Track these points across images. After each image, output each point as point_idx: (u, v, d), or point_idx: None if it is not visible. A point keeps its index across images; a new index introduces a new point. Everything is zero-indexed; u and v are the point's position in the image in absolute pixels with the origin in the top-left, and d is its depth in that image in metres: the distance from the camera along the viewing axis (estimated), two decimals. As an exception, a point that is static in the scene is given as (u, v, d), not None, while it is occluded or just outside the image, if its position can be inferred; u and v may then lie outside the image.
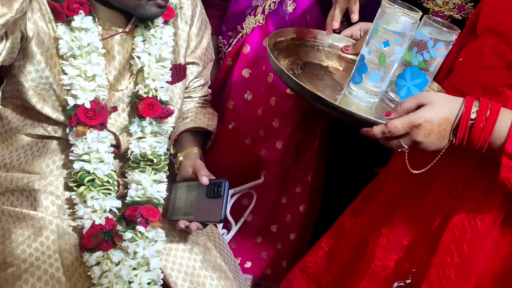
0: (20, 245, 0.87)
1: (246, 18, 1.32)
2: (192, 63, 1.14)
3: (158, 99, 1.02)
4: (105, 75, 0.96)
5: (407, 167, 0.73)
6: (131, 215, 0.97)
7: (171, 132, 1.11)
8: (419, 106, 0.71)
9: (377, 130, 0.71)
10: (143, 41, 1.01)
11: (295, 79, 0.78)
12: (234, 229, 1.30)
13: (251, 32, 1.33)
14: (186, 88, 1.16)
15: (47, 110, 0.93)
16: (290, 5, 1.29)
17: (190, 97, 1.20)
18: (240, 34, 1.34)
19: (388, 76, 0.82)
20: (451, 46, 0.80)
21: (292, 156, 1.36)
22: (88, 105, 0.92)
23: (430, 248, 0.79)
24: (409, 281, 0.81)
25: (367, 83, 0.82)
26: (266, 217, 1.38)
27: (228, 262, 1.06)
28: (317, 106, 0.76)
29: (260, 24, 1.32)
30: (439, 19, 0.83)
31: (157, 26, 1.01)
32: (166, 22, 1.03)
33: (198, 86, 1.20)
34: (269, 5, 1.30)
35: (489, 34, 0.82)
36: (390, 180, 0.92)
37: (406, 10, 0.88)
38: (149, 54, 1.01)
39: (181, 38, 1.09)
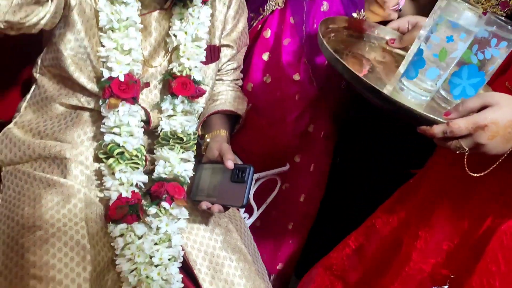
0: (49, 210, 0.88)
1: (268, 0, 1.29)
2: (227, 45, 1.12)
3: (192, 78, 1.01)
4: (141, 50, 0.96)
5: (466, 170, 0.69)
6: (157, 191, 0.97)
7: (201, 112, 1.10)
8: (482, 107, 0.66)
9: (437, 130, 0.67)
10: (181, 19, 1.00)
11: (353, 70, 0.74)
12: (256, 214, 1.29)
13: (271, 14, 1.29)
14: (219, 70, 1.15)
15: (83, 80, 0.94)
16: None
17: (221, 79, 1.18)
18: (261, 16, 1.30)
19: (446, 73, 0.77)
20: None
21: (296, 144, 1.33)
22: (122, 78, 0.91)
23: (473, 255, 0.76)
24: (447, 287, 0.78)
25: (422, 79, 0.77)
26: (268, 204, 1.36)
27: (248, 245, 1.06)
28: (371, 99, 0.72)
29: (279, 7, 1.28)
30: (502, 17, 0.78)
31: (195, 5, 1.00)
32: (204, 2, 1.02)
33: (231, 69, 1.18)
34: None
35: None
36: (428, 181, 0.89)
37: (468, 5, 0.84)
38: (186, 33, 1.00)
39: (217, 19, 1.07)
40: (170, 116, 1.02)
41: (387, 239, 0.90)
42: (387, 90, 0.82)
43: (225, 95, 1.16)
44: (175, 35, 0.99)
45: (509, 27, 0.74)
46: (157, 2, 0.98)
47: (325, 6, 1.25)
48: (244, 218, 1.25)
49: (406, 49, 0.96)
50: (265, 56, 1.32)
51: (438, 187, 0.85)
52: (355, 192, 1.32)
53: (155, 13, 0.98)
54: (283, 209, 1.39)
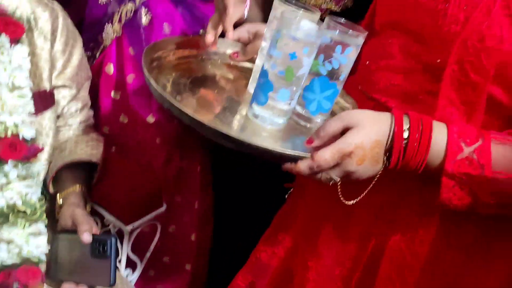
0: None
1: (105, 27, 1.10)
2: (63, 86, 0.95)
3: (21, 136, 0.83)
4: None
5: (340, 198, 0.63)
6: (5, 282, 0.78)
7: (47, 170, 0.92)
8: (344, 129, 0.60)
9: (303, 166, 0.60)
10: (-12, 69, 0.81)
11: (190, 114, 0.62)
12: (140, 266, 1.13)
13: (110, 45, 1.11)
14: (60, 116, 0.97)
15: None
16: (145, 16, 1.08)
17: (67, 124, 1.00)
18: (102, 46, 1.12)
19: (298, 90, 0.69)
20: (359, 50, 0.69)
21: (173, 184, 1.19)
22: None
23: (368, 277, 0.69)
24: None
25: (274, 102, 0.68)
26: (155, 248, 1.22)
27: None
28: (221, 142, 0.61)
29: (118, 36, 1.10)
30: (342, 19, 0.71)
31: (2, 47, 0.81)
32: (15, 41, 0.83)
33: (76, 111, 1.00)
34: (126, 12, 1.08)
35: (393, 31, 0.73)
36: (304, 203, 0.81)
37: (302, 10, 0.75)
38: (-1, 84, 0.81)
39: (41, 58, 0.89)
40: (4, 185, 0.82)
41: (277, 272, 0.81)
42: (238, 123, 0.72)
43: (74, 141, 0.99)
44: (-14, 90, 0.79)
45: (350, 31, 0.67)
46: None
47: (167, 29, 1.10)
48: (127, 275, 1.09)
49: (253, 59, 0.86)
50: (114, 94, 1.14)
51: (316, 209, 0.78)
52: (240, 222, 1.23)
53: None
54: (177, 252, 1.25)
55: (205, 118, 0.65)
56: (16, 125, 0.82)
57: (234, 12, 0.82)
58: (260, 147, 0.60)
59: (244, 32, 0.86)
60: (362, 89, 0.74)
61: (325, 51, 0.67)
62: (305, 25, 0.67)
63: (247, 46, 0.87)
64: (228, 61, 0.89)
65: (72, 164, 0.95)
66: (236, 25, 0.88)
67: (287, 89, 0.67)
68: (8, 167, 0.82)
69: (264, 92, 0.67)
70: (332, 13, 1.01)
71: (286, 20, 0.64)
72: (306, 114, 0.73)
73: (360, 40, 0.68)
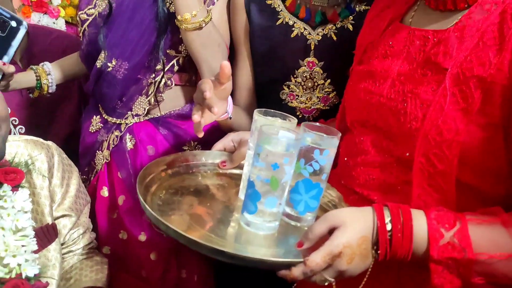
0: None
1: (96, 154, 1.18)
2: (62, 216, 0.98)
3: (24, 276, 0.85)
4: None
5: None
6: None
7: None
8: (330, 229, 0.64)
9: (297, 272, 0.62)
10: (-8, 215, 0.85)
11: (184, 233, 0.64)
12: None
13: (101, 169, 1.18)
14: (63, 244, 1.00)
15: None
16: (129, 142, 1.16)
17: (70, 251, 1.02)
18: (95, 170, 1.20)
19: (285, 195, 0.73)
20: (336, 150, 0.74)
21: None
22: None
23: None
24: None
25: (264, 210, 0.72)
26: None
27: None
28: (217, 257, 0.64)
29: (107, 161, 1.18)
30: (316, 123, 0.78)
31: (5, 195, 0.86)
32: (16, 187, 0.89)
33: (78, 237, 1.02)
34: (113, 140, 1.16)
35: (363, 129, 0.79)
36: None
37: (279, 119, 0.82)
38: (2, 228, 0.84)
39: (41, 196, 0.93)
40: (8, 331, 0.82)
41: None
42: (232, 234, 0.74)
43: (80, 269, 1.00)
44: (-11, 236, 0.83)
45: (325, 135, 0.73)
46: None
47: (150, 151, 1.16)
48: None
49: (240, 166, 0.91)
50: (110, 214, 1.18)
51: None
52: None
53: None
54: None
55: (198, 234, 0.68)
56: (19, 265, 0.84)
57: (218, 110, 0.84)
58: (253, 259, 0.63)
59: (229, 141, 0.92)
60: (345, 184, 0.78)
61: (305, 155, 0.73)
62: (283, 136, 0.72)
63: (233, 154, 0.91)
64: (217, 170, 0.93)
65: None
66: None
67: (274, 196, 0.71)
68: (14, 311, 0.82)
69: (253, 202, 0.71)
70: (323, 112, 1.10)
71: (265, 135, 0.70)
72: (295, 215, 0.77)
73: (335, 142, 0.74)
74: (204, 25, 1.02)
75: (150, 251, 1.15)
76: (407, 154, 0.69)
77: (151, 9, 1.08)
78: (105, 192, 1.19)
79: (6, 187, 0.85)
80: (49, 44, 1.50)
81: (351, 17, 1.06)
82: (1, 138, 0.78)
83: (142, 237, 1.15)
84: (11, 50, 0.95)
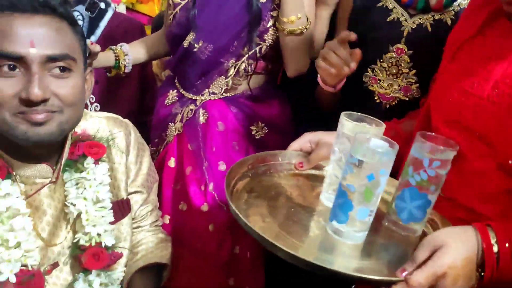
0: None
1: (169, 126, 1.20)
2: (135, 192, 0.98)
3: (103, 245, 0.87)
4: (35, 237, 0.80)
5: None
6: None
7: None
8: (433, 252, 0.60)
9: None
10: (76, 185, 0.87)
11: (276, 243, 0.61)
12: None
13: (172, 141, 1.20)
14: (133, 219, 1.02)
15: None
16: (202, 116, 1.17)
17: (139, 226, 1.02)
18: (165, 142, 1.21)
19: (376, 207, 0.68)
20: (450, 164, 0.68)
21: (226, 269, 1.19)
22: (13, 279, 0.74)
23: None
24: None
25: (354, 220, 0.67)
26: None
27: None
28: (308, 269, 0.60)
29: (179, 133, 1.19)
30: (432, 133, 0.72)
31: (88, 167, 0.89)
32: (98, 160, 0.91)
33: (146, 213, 1.02)
34: (187, 113, 1.18)
35: (450, 130, 0.73)
36: None
37: (366, 124, 0.76)
38: (85, 198, 0.86)
39: (119, 171, 0.93)
40: (87, 295, 0.85)
41: None
42: (319, 243, 0.69)
43: (146, 244, 1.01)
44: (73, 204, 0.85)
45: (440, 147, 0.67)
46: (44, 176, 0.84)
47: (220, 127, 1.17)
48: None
49: (316, 166, 0.89)
50: (174, 185, 1.20)
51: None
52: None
53: (44, 190, 0.83)
54: None
55: (287, 243, 0.65)
56: (99, 235, 0.86)
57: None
58: (352, 276, 0.59)
59: (305, 142, 0.88)
60: (444, 194, 0.73)
61: (414, 163, 0.68)
62: (379, 146, 0.67)
63: (311, 155, 0.88)
64: (293, 171, 0.90)
65: (143, 269, 0.96)
66: None
67: (366, 207, 0.66)
68: (93, 276, 0.85)
69: (344, 211, 0.67)
70: (401, 102, 1.06)
71: (360, 145, 0.65)
72: (398, 221, 0.72)
73: (450, 155, 0.67)
74: (305, 31, 1.06)
75: (209, 222, 1.16)
76: (511, 161, 0.64)
77: (241, 3, 1.10)
78: (172, 163, 1.20)
79: (89, 159, 0.87)
80: (116, 27, 1.53)
81: (452, 11, 0.99)
82: (59, 123, 0.74)
83: (204, 208, 1.16)
84: (98, 31, 0.97)
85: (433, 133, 0.72)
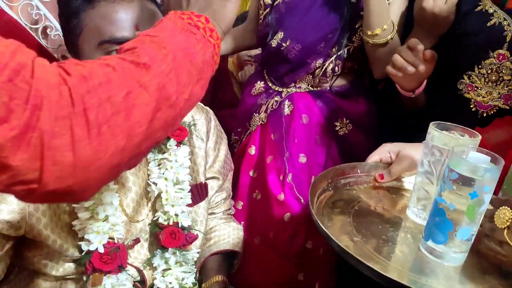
0: None
1: (253, 116, 1.21)
2: (212, 178, 0.99)
3: (180, 225, 0.89)
4: (121, 212, 0.84)
5: None
6: None
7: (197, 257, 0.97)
8: None
9: None
10: (158, 165, 0.90)
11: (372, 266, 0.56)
12: None
13: (255, 130, 1.20)
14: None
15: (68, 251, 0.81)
16: (287, 108, 1.16)
17: (213, 213, 1.03)
18: (248, 131, 1.22)
19: (478, 226, 0.61)
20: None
21: (296, 262, 1.17)
22: (102, 250, 0.78)
23: None
24: None
25: (454, 240, 0.61)
26: None
27: None
28: None
29: (262, 123, 1.19)
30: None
31: (170, 148, 0.91)
32: (180, 143, 0.93)
33: (220, 200, 1.03)
34: (272, 104, 1.18)
35: None
36: None
37: (457, 134, 0.69)
38: (166, 179, 0.88)
39: (198, 156, 0.95)
40: (164, 271, 0.88)
41: None
42: (414, 264, 0.63)
43: (219, 231, 1.02)
44: (155, 183, 0.88)
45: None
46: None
47: (304, 120, 1.14)
48: None
49: (396, 178, 0.83)
50: (252, 173, 1.20)
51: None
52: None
53: (130, 168, 0.87)
54: None
55: (378, 264, 0.61)
56: (176, 215, 0.89)
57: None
58: None
59: (385, 152, 0.83)
60: None
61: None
62: (479, 160, 0.60)
63: (392, 167, 0.82)
64: (372, 183, 0.84)
65: (217, 253, 0.98)
66: None
67: (468, 227, 0.60)
68: (169, 254, 0.87)
69: (442, 232, 0.61)
70: (501, 110, 0.97)
71: (458, 160, 0.58)
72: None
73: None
74: (390, 41, 1.03)
75: (285, 211, 1.15)
76: None
77: (331, 5, 1.09)
78: (252, 150, 1.20)
79: (172, 141, 0.89)
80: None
81: None
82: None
83: (281, 197, 1.14)
84: None
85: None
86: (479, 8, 0.96)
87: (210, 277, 0.94)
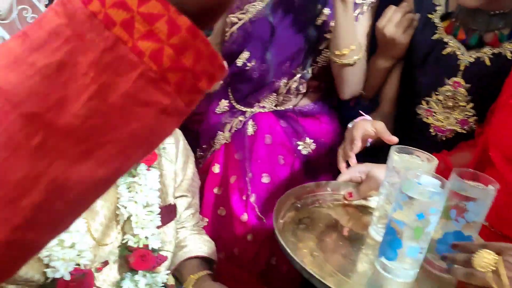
0: None
1: (217, 134, 1.20)
2: (181, 196, 1.00)
3: (150, 248, 0.89)
4: (89, 237, 0.84)
5: None
6: None
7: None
8: None
9: None
10: (128, 188, 0.90)
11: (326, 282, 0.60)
12: None
13: (218, 149, 1.21)
14: (177, 221, 1.04)
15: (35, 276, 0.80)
16: (251, 128, 1.17)
17: (183, 227, 1.04)
18: (212, 149, 1.22)
19: (427, 244, 0.66)
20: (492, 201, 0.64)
21: (260, 279, 1.18)
22: (68, 277, 0.76)
23: None
24: None
25: (404, 257, 0.65)
26: None
27: None
28: None
29: (227, 142, 1.19)
30: (470, 169, 0.68)
31: (141, 172, 0.91)
32: (150, 167, 0.94)
33: (190, 215, 1.04)
34: (236, 124, 1.18)
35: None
36: None
37: (416, 158, 0.74)
38: (135, 202, 0.89)
39: (167, 177, 0.94)
40: (132, 294, 0.88)
41: None
42: (368, 281, 0.67)
43: (192, 239, 1.03)
44: (124, 206, 0.88)
45: (481, 186, 0.64)
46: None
47: (268, 140, 1.16)
48: None
49: (365, 197, 0.88)
50: (216, 190, 1.20)
51: None
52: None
53: (99, 192, 0.87)
54: None
55: (335, 280, 0.63)
56: (146, 237, 0.89)
57: (358, 144, 0.86)
58: None
59: (355, 172, 0.86)
60: (497, 229, 0.69)
61: (457, 207, 0.64)
62: (429, 184, 0.64)
63: (361, 186, 0.86)
64: (342, 201, 0.88)
65: (193, 258, 0.98)
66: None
67: (416, 245, 0.64)
68: (139, 276, 0.87)
69: (392, 248, 0.65)
70: (458, 134, 1.01)
71: (409, 182, 0.62)
72: (442, 265, 0.69)
73: (493, 192, 0.64)
74: (358, 61, 1.04)
75: (248, 232, 1.16)
76: None
77: (297, 26, 1.09)
78: (216, 168, 1.21)
79: (142, 165, 0.89)
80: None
81: (511, 45, 0.93)
82: None
83: (244, 217, 1.15)
84: None
85: (470, 170, 0.68)
86: (435, 36, 1.00)
87: (195, 272, 0.95)
